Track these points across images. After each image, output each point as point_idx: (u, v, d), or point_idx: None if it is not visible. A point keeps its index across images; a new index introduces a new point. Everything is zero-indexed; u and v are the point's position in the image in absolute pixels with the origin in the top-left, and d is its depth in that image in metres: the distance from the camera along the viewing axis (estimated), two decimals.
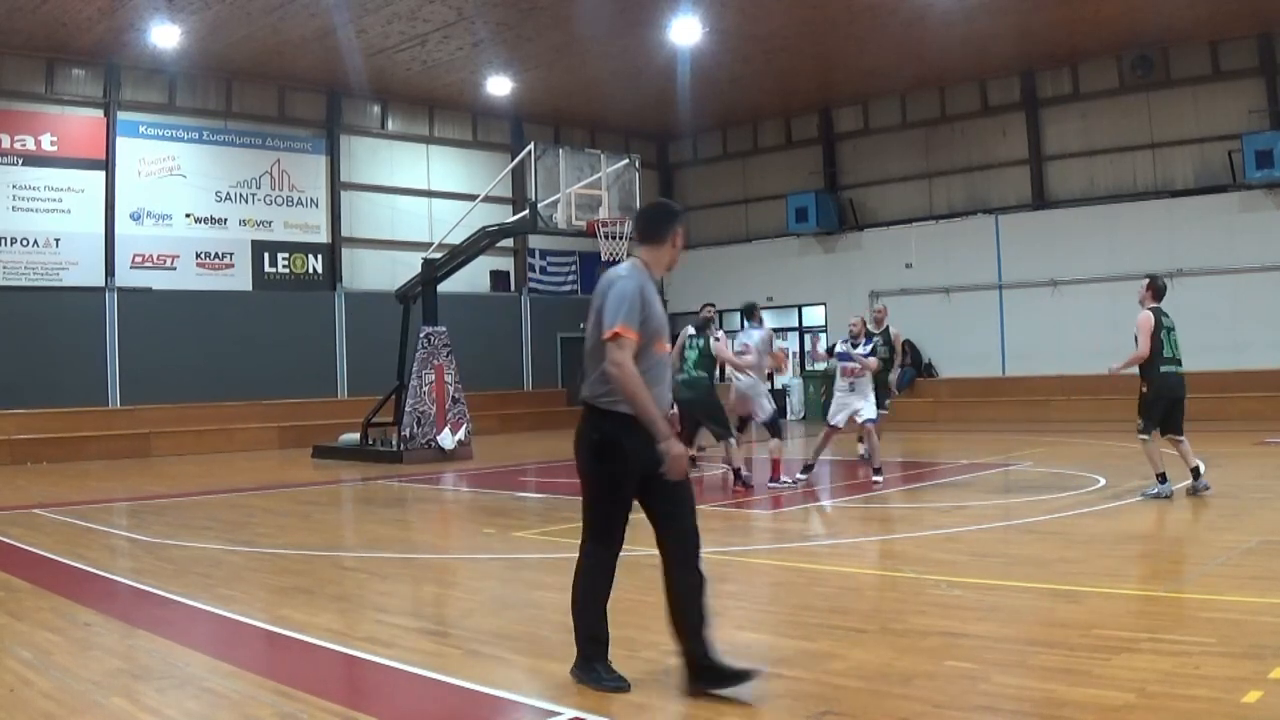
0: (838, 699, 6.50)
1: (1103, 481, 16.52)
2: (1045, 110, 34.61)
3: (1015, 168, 35.08)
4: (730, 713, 6.50)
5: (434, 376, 25.30)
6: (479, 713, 6.76)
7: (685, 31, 28.10)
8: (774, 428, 18.47)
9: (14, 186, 28.92)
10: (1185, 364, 15.92)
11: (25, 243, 29.03)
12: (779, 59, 32.13)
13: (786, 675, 7.05)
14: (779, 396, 39.57)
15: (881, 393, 20.26)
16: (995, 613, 8.75)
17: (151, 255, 30.79)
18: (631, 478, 6.76)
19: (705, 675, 6.69)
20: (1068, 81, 34.08)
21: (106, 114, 30.31)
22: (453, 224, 27.60)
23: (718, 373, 19.47)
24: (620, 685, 6.79)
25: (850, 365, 18.15)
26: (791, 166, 39.66)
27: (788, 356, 24.26)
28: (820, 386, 37.30)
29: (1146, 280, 15.58)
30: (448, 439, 25.21)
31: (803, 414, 38.12)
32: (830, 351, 20.16)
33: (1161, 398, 15.07)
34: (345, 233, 34.59)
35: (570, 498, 17.67)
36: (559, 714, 6.36)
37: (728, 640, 8.09)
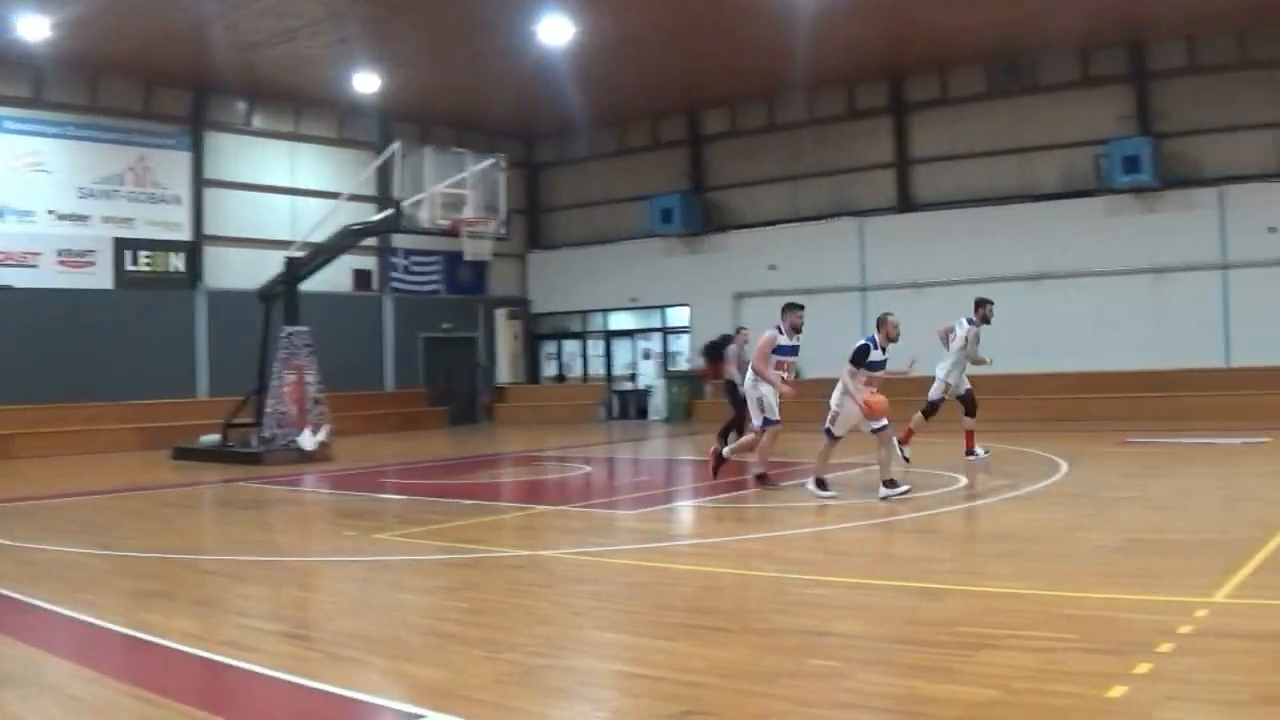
0: (700, 698, 6.50)
1: (964, 481, 16.70)
2: (912, 115, 35.02)
3: (881, 171, 35.43)
4: (592, 713, 6.51)
5: (294, 377, 25.02)
6: (341, 717, 6.67)
7: (555, 31, 27.95)
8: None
9: None
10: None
11: None
12: (647, 60, 32.09)
13: (648, 675, 7.05)
14: (641, 397, 39.75)
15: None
16: (858, 611, 8.83)
17: (13, 253, 30.10)
18: None
19: None
20: (936, 86, 34.48)
21: None
22: (317, 222, 27.33)
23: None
24: None
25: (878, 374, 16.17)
26: (658, 167, 39.70)
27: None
28: (684, 388, 37.42)
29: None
30: (308, 440, 24.94)
31: (666, 415, 38.13)
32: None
33: None
34: (208, 231, 34.05)
35: (430, 499, 17.66)
36: (421, 716, 6.27)
37: (588, 640, 8.12)
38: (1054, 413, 29.20)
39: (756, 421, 17.45)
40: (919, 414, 19.52)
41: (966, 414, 19.53)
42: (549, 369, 43.46)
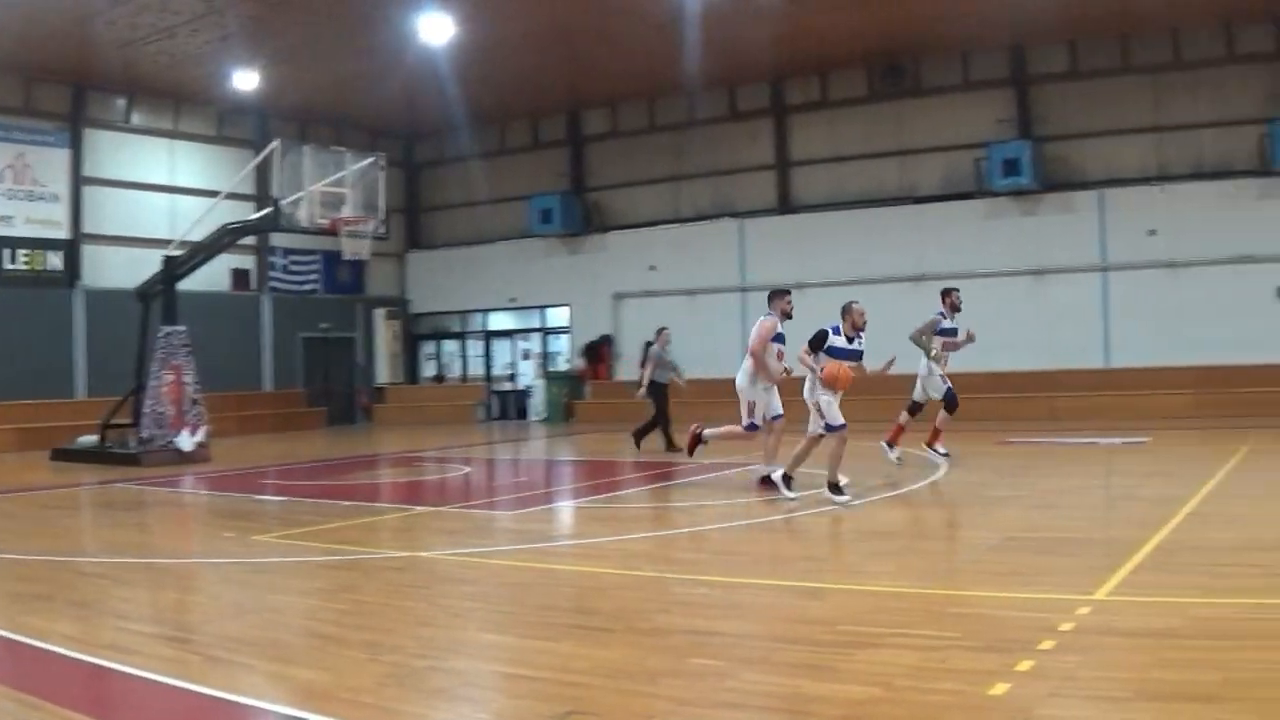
0: (582, 699, 6.51)
1: (845, 480, 16.82)
2: (793, 116, 35.26)
3: (762, 172, 35.65)
4: (474, 714, 6.53)
5: (172, 377, 24.74)
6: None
7: (435, 29, 27.80)
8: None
9: None
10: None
11: None
12: (529, 59, 31.98)
13: (530, 676, 7.06)
14: (520, 397, 39.71)
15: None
16: (740, 610, 8.89)
17: None
18: None
19: None
20: (817, 89, 34.74)
21: None
22: (196, 221, 27.02)
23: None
24: None
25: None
26: (538, 167, 39.64)
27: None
28: (563, 388, 37.41)
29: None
30: (186, 441, 24.67)
31: (545, 416, 38.08)
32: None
33: None
34: (87, 229, 33.53)
35: (309, 501, 17.54)
36: (303, 719, 6.27)
37: (471, 641, 8.12)
38: (933, 413, 29.42)
39: (745, 422, 16.99)
40: (942, 412, 19.26)
41: (946, 410, 19.33)
42: (428, 369, 43.23)
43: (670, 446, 22.95)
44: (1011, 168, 30.24)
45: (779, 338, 17.15)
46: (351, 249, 24.65)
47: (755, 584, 9.95)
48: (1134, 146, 30.63)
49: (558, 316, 39.82)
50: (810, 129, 34.97)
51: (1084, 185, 30.87)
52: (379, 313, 41.19)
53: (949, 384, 18.94)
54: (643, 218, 37.67)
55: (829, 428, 14.59)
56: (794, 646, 7.57)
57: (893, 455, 18.72)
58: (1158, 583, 9.25)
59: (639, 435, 23.31)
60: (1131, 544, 10.74)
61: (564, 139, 39.70)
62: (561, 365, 39.06)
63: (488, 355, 41.79)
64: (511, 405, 40.13)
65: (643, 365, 24.08)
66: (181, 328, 25.08)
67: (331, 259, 36.70)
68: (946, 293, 19.88)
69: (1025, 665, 6.80)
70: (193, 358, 25.18)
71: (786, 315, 17.07)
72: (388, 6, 27.23)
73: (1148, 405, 27.65)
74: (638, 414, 24.89)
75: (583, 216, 38.23)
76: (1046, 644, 7.27)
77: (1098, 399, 28.94)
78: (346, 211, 24.27)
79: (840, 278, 31.48)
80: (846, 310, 15.12)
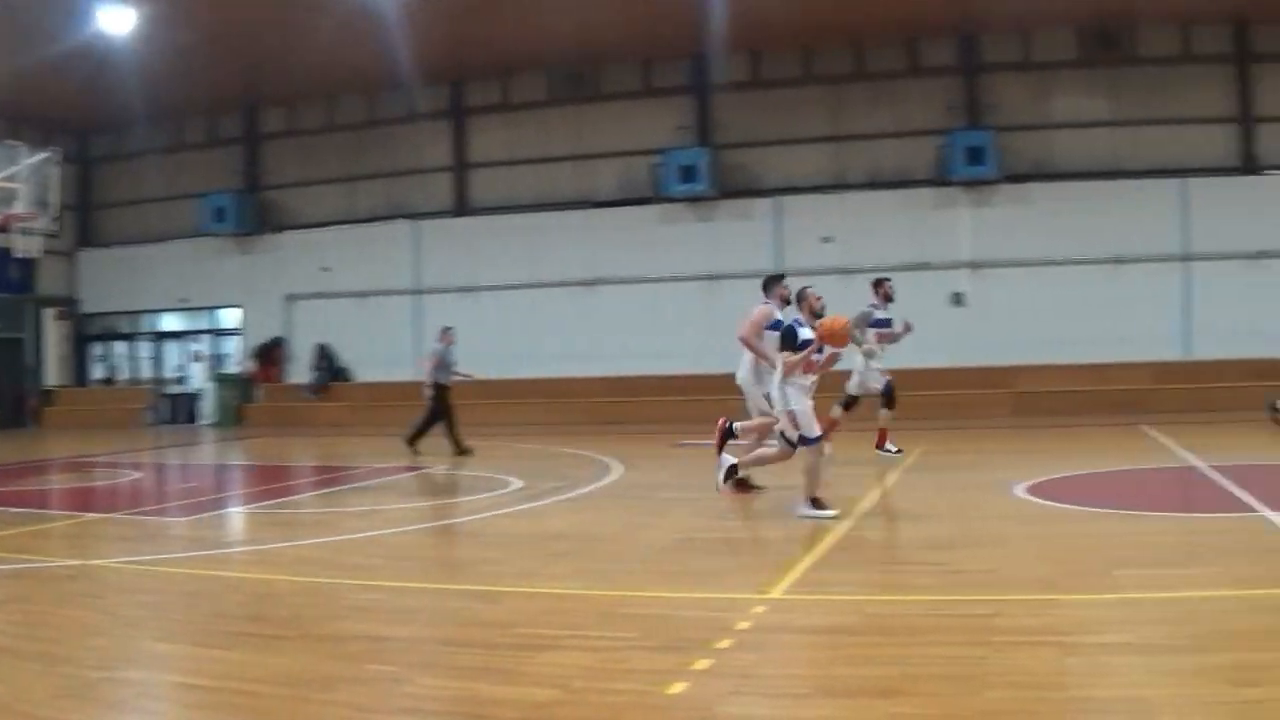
0: (258, 707, 6.45)
1: (519, 483, 16.90)
2: (472, 119, 35.24)
3: (439, 174, 35.57)
4: None
5: None
6: None
7: (113, 20, 26.95)
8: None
9: None
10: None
11: None
12: (206, 53, 31.22)
13: (206, 686, 6.93)
14: (191, 400, 38.89)
15: None
16: (416, 615, 8.88)
17: None
18: None
19: None
20: (497, 91, 34.77)
21: None
22: None
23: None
24: None
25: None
26: (213, 165, 38.68)
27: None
28: (235, 391, 36.75)
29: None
30: None
31: (216, 419, 37.31)
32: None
33: None
34: None
35: None
36: None
37: (144, 652, 7.94)
38: (607, 415, 29.81)
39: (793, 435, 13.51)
40: (883, 410, 18.82)
41: (887, 404, 19.13)
42: (97, 371, 41.95)
43: (460, 450, 22.47)
44: (689, 174, 30.85)
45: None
46: (22, 246, 23.90)
47: (432, 588, 9.97)
48: (812, 155, 31.56)
49: (229, 318, 39.09)
50: (490, 132, 35.04)
51: (760, 192, 31.67)
52: (48, 312, 39.82)
53: (889, 377, 18.64)
54: (318, 218, 37.18)
55: (804, 440, 13.23)
56: (471, 650, 7.59)
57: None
58: (834, 580, 9.56)
59: (413, 439, 22.73)
60: (807, 542, 11.09)
61: (240, 136, 38.88)
62: (232, 368, 38.33)
63: (158, 357, 40.76)
64: (182, 408, 39.14)
65: (431, 365, 23.21)
66: None
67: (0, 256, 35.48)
68: (878, 283, 19.51)
69: (703, 664, 6.91)
70: None
71: (785, 301, 15.50)
72: None
73: (822, 406, 28.21)
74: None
75: (257, 216, 37.56)
76: (724, 643, 7.40)
77: None
78: (18, 207, 23.46)
79: (515, 281, 31.67)
80: (802, 297, 14.12)
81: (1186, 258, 29.70)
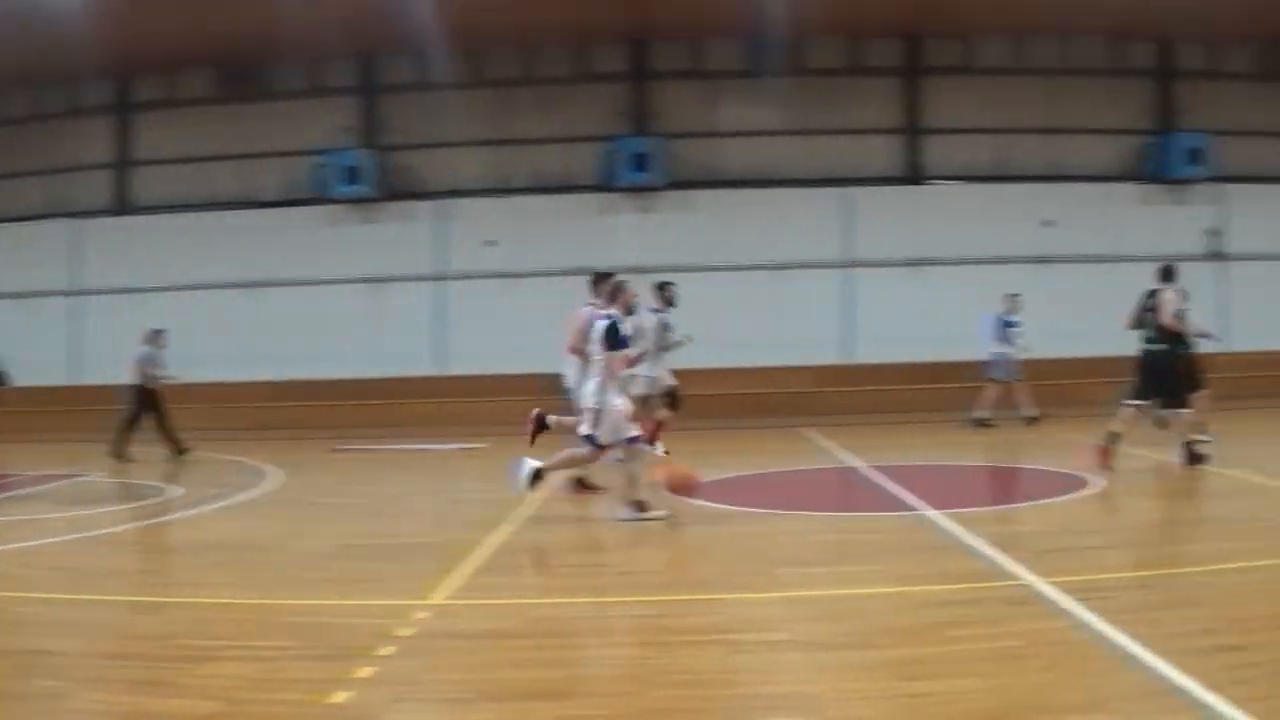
0: None
1: (180, 491, 16.67)
2: (137, 115, 34.25)
3: (100, 171, 34.47)
4: None
5: None
6: None
7: None
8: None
9: None
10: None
11: None
12: None
13: None
14: None
15: None
16: (75, 628, 8.70)
17: None
18: None
19: None
20: (164, 87, 33.93)
21: None
22: None
23: None
24: None
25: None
26: None
27: None
28: None
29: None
30: None
31: None
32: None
33: None
34: None
35: None
36: None
37: None
38: (266, 421, 29.27)
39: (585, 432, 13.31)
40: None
41: (669, 407, 19.07)
42: None
43: (180, 450, 21.89)
44: (353, 175, 30.67)
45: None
46: None
47: (90, 599, 9.75)
48: (478, 158, 31.67)
49: None
50: (156, 129, 34.04)
51: (424, 195, 31.66)
52: None
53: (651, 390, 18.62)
54: None
55: (628, 439, 12.93)
56: (132, 663, 7.50)
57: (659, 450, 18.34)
58: (497, 584, 9.73)
59: (118, 450, 21.79)
60: (467, 546, 11.20)
61: None
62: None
63: None
64: None
65: (138, 367, 22.34)
66: None
67: None
68: (662, 286, 20.01)
69: (366, 672, 6.99)
70: None
71: (613, 301, 14.09)
72: None
73: (485, 411, 28.26)
74: None
75: None
76: (387, 650, 7.50)
77: (435, 405, 29.54)
78: None
79: (179, 283, 31.06)
80: (619, 290, 14.00)
81: (850, 264, 30.80)
